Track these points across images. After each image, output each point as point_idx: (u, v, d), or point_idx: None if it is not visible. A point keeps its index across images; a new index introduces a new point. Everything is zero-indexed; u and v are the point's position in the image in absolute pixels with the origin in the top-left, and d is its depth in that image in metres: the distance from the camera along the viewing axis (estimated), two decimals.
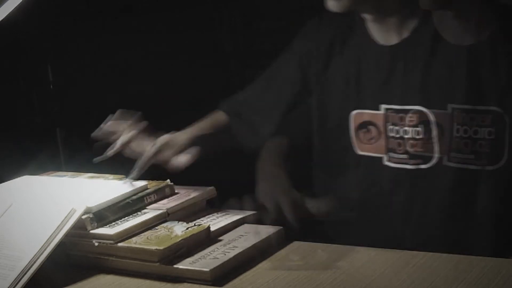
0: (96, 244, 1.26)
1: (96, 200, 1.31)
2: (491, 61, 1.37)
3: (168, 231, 1.28)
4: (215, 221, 1.35)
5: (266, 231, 1.31)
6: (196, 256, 1.22)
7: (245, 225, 1.37)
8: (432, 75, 1.42)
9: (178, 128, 1.55)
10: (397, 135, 1.46)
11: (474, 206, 1.43)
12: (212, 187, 1.44)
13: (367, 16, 1.48)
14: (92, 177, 1.53)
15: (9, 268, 1.19)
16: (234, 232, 1.33)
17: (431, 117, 1.41)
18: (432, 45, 1.41)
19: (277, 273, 1.19)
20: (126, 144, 1.45)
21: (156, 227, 1.31)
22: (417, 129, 1.43)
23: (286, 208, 1.41)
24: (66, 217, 1.25)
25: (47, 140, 2.84)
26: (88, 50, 2.90)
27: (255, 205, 1.42)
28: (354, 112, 1.52)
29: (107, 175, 1.51)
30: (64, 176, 1.57)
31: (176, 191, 1.44)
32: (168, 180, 1.45)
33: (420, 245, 1.28)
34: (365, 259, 1.22)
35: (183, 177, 1.48)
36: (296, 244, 1.31)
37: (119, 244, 1.25)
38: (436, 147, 1.42)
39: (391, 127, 1.47)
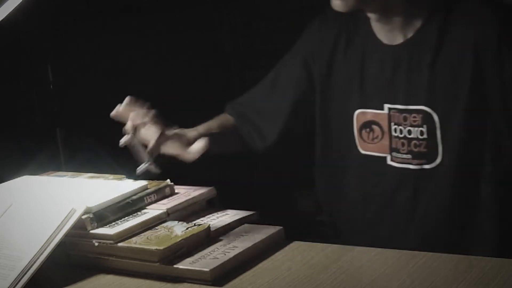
0: (96, 244, 1.26)
1: (96, 200, 1.31)
2: (496, 60, 1.36)
3: (168, 231, 1.28)
4: (215, 221, 1.35)
5: (266, 231, 1.31)
6: (196, 256, 1.22)
7: (245, 225, 1.37)
8: (437, 75, 1.41)
9: (179, 127, 1.54)
10: (401, 135, 1.45)
11: (477, 206, 1.43)
12: (212, 187, 1.44)
13: (372, 16, 1.48)
14: (92, 177, 1.53)
15: (9, 268, 1.19)
16: (234, 232, 1.33)
17: (435, 117, 1.41)
18: (436, 45, 1.41)
19: (277, 273, 1.19)
20: (136, 132, 1.44)
21: (156, 227, 1.31)
22: (421, 129, 1.43)
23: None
24: (66, 217, 1.25)
25: (47, 140, 2.84)
26: (88, 50, 2.90)
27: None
28: (358, 111, 1.51)
29: (107, 175, 1.51)
30: (64, 176, 1.57)
31: (176, 191, 1.44)
32: (168, 180, 1.45)
33: (422, 245, 1.27)
34: (365, 259, 1.22)
35: (183, 177, 1.48)
36: (296, 244, 1.31)
37: (119, 244, 1.25)
38: (440, 148, 1.42)
39: (394, 126, 1.46)
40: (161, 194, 1.41)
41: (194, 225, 1.29)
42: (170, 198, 1.41)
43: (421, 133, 1.43)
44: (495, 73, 1.36)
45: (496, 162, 1.40)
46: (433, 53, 1.41)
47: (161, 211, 1.34)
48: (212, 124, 1.62)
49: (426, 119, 1.42)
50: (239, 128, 1.65)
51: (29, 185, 1.47)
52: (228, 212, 1.40)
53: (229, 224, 1.35)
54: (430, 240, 1.45)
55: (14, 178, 1.52)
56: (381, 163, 1.49)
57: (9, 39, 2.45)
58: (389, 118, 1.47)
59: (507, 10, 1.40)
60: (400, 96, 1.45)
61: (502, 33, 1.36)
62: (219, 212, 1.40)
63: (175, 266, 1.20)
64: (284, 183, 2.99)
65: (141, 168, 1.40)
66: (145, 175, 1.45)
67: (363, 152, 1.52)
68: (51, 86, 2.89)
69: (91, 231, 1.28)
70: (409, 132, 1.44)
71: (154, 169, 1.41)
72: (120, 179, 1.48)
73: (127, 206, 1.35)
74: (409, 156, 1.45)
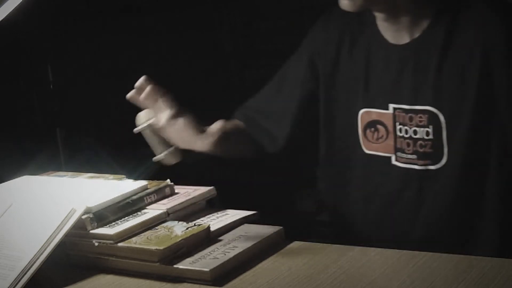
0: (96, 244, 1.26)
1: (96, 200, 1.31)
2: (504, 61, 1.36)
3: (168, 231, 1.28)
4: (215, 221, 1.35)
5: (266, 231, 1.31)
6: (196, 256, 1.22)
7: (245, 225, 1.36)
8: (443, 76, 1.41)
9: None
10: (406, 135, 1.45)
11: (481, 207, 1.42)
12: (212, 187, 1.44)
13: (379, 15, 1.47)
14: (92, 177, 1.53)
15: (9, 268, 1.19)
16: (234, 232, 1.33)
17: (441, 118, 1.41)
18: (444, 45, 1.41)
19: (277, 273, 1.19)
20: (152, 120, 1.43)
21: (156, 227, 1.31)
22: (427, 129, 1.43)
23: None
24: (66, 217, 1.25)
25: (47, 140, 2.84)
26: (88, 50, 2.90)
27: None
28: (362, 111, 1.51)
29: (107, 175, 1.51)
30: (64, 176, 1.57)
31: (176, 191, 1.44)
32: (168, 180, 1.45)
33: (426, 245, 1.27)
34: (365, 259, 1.22)
35: (183, 177, 1.48)
36: (296, 244, 1.31)
37: (119, 244, 1.25)
38: (446, 149, 1.42)
39: (400, 127, 1.46)
40: (161, 194, 1.41)
41: (194, 225, 1.29)
42: (170, 198, 1.41)
43: (427, 133, 1.42)
44: (502, 74, 1.36)
45: (501, 163, 1.40)
46: (440, 54, 1.41)
47: (161, 211, 1.34)
48: (225, 124, 1.60)
49: (432, 119, 1.42)
50: (249, 133, 1.63)
51: (29, 185, 1.47)
52: (228, 212, 1.40)
53: (229, 224, 1.35)
54: (433, 240, 1.44)
55: (14, 178, 1.52)
56: (385, 163, 1.49)
57: (9, 39, 2.45)
58: (394, 118, 1.46)
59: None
60: (406, 96, 1.45)
61: (510, 34, 1.36)
62: (219, 212, 1.40)
63: (175, 266, 1.20)
64: (284, 183, 2.99)
65: (159, 156, 1.39)
66: (149, 171, 1.45)
67: (367, 151, 1.51)
68: (51, 86, 2.89)
69: (91, 231, 1.28)
70: (415, 132, 1.44)
71: (170, 158, 1.39)
72: (120, 179, 1.48)
73: (127, 206, 1.35)
74: (414, 156, 1.45)
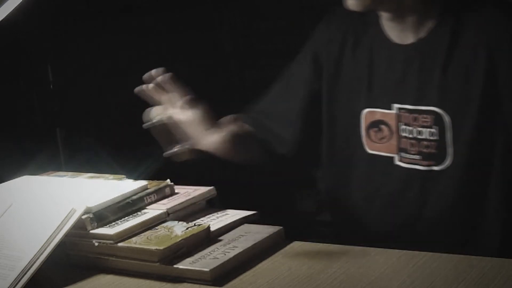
0: (96, 244, 1.26)
1: (96, 200, 1.31)
2: (509, 62, 1.36)
3: (168, 231, 1.28)
4: (215, 221, 1.35)
5: (266, 231, 1.31)
6: (196, 256, 1.22)
7: (245, 225, 1.36)
8: (449, 76, 1.41)
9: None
10: (410, 135, 1.45)
11: (484, 207, 1.42)
12: (212, 187, 1.44)
13: (384, 15, 1.47)
14: (92, 177, 1.53)
15: (9, 268, 1.19)
16: (234, 232, 1.33)
17: (446, 119, 1.41)
18: (449, 46, 1.40)
19: (277, 273, 1.19)
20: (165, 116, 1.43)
21: (156, 227, 1.30)
22: (432, 130, 1.42)
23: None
24: (66, 217, 1.25)
25: (47, 140, 2.84)
26: (88, 50, 2.90)
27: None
28: (365, 110, 1.51)
29: (107, 175, 1.51)
30: (64, 176, 1.57)
31: (176, 191, 1.44)
32: (168, 180, 1.45)
33: (428, 245, 1.26)
34: (365, 259, 1.22)
35: (183, 177, 1.48)
36: (296, 244, 1.31)
37: (119, 244, 1.25)
38: (450, 149, 1.41)
39: (403, 127, 1.46)
40: (161, 194, 1.41)
41: (194, 225, 1.29)
42: (170, 198, 1.41)
43: (432, 134, 1.42)
44: (507, 75, 1.36)
45: (505, 163, 1.40)
46: (446, 54, 1.40)
47: (161, 211, 1.34)
48: (236, 124, 1.60)
49: (437, 120, 1.41)
50: (257, 136, 1.63)
51: (29, 185, 1.47)
52: (228, 212, 1.40)
53: (229, 224, 1.35)
54: (435, 240, 1.44)
55: (14, 178, 1.52)
56: (388, 163, 1.48)
57: (9, 39, 2.45)
58: (398, 118, 1.46)
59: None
60: (410, 96, 1.45)
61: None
62: (219, 212, 1.40)
63: (175, 266, 1.20)
64: (284, 183, 2.99)
65: (170, 152, 1.39)
66: (147, 175, 1.45)
67: (370, 151, 1.51)
68: (51, 86, 2.89)
69: (91, 231, 1.28)
70: (419, 132, 1.43)
71: (181, 155, 1.39)
72: (120, 179, 1.48)
73: (127, 206, 1.35)
74: (418, 157, 1.44)
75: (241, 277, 1.18)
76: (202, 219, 1.37)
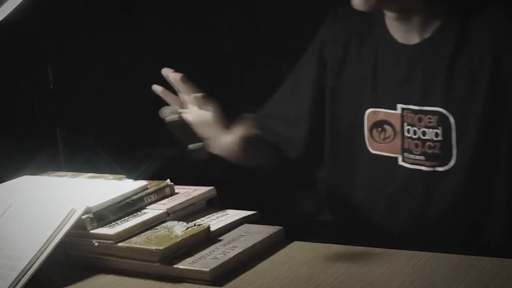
0: (96, 244, 1.26)
1: (96, 200, 1.31)
2: None
3: (168, 231, 1.28)
4: (215, 221, 1.35)
5: (266, 231, 1.31)
6: (196, 256, 1.22)
7: (245, 225, 1.36)
8: (454, 77, 1.40)
9: None
10: (414, 136, 1.44)
11: (488, 208, 1.42)
12: (212, 187, 1.44)
13: (390, 14, 1.47)
14: (92, 177, 1.53)
15: (9, 268, 1.19)
16: (234, 232, 1.33)
17: (451, 119, 1.40)
18: (455, 46, 1.40)
19: (277, 273, 1.19)
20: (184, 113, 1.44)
21: (156, 227, 1.30)
22: (436, 130, 1.42)
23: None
24: (66, 217, 1.25)
25: (47, 140, 2.84)
26: (88, 50, 2.90)
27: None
28: (369, 110, 1.50)
29: (107, 175, 1.51)
30: (64, 176, 1.57)
31: (176, 191, 1.44)
32: (168, 180, 1.45)
33: (430, 246, 1.26)
34: (365, 259, 1.22)
35: (183, 177, 1.48)
36: (296, 244, 1.31)
37: (119, 244, 1.25)
38: (455, 150, 1.41)
39: (408, 127, 1.45)
40: (161, 194, 1.41)
41: (194, 225, 1.29)
42: (170, 198, 1.41)
43: (436, 134, 1.42)
44: None
45: (510, 164, 1.40)
46: (451, 55, 1.40)
47: (161, 211, 1.34)
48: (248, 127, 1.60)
49: (442, 121, 1.41)
50: (267, 140, 1.62)
51: (29, 185, 1.47)
52: (228, 212, 1.40)
53: (229, 224, 1.35)
54: (437, 241, 1.44)
55: (14, 178, 1.52)
56: (391, 163, 1.48)
57: (9, 39, 2.45)
58: (402, 118, 1.46)
59: None
60: (415, 97, 1.44)
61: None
62: (219, 212, 1.40)
63: (175, 266, 1.20)
64: (284, 183, 2.99)
65: (194, 145, 1.38)
66: (147, 175, 1.45)
67: (373, 151, 1.51)
68: (51, 86, 2.89)
69: (91, 231, 1.28)
70: (424, 133, 1.43)
71: (198, 153, 1.39)
72: (120, 179, 1.47)
73: (127, 206, 1.35)
74: (422, 157, 1.44)
75: (241, 277, 1.18)
76: (202, 219, 1.37)
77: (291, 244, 1.30)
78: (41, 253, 1.20)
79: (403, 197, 1.48)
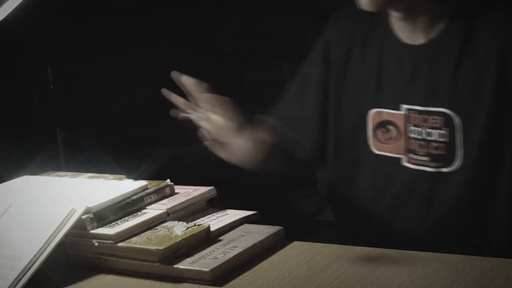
0: (96, 244, 1.26)
1: (96, 200, 1.31)
2: None
3: (168, 231, 1.28)
4: (215, 221, 1.35)
5: (266, 231, 1.31)
6: (196, 256, 1.22)
7: (245, 225, 1.36)
8: (459, 78, 1.40)
9: None
10: (419, 137, 1.44)
11: (492, 209, 1.42)
12: (212, 187, 1.44)
13: (396, 14, 1.46)
14: (92, 177, 1.53)
15: (9, 268, 1.20)
16: (234, 232, 1.33)
17: (456, 120, 1.40)
18: (460, 47, 1.40)
19: (277, 273, 1.19)
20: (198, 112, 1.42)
21: (156, 227, 1.30)
22: (441, 131, 1.42)
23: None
24: (66, 217, 1.25)
25: (47, 140, 2.84)
26: (88, 50, 2.90)
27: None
28: (373, 111, 1.50)
29: (107, 175, 1.51)
30: (64, 176, 1.57)
31: (176, 191, 1.44)
32: (168, 180, 1.45)
33: (433, 247, 1.26)
34: (365, 259, 1.22)
35: (183, 177, 1.48)
36: (296, 244, 1.31)
37: (119, 244, 1.25)
38: (459, 151, 1.41)
39: (412, 128, 1.45)
40: (161, 194, 1.41)
41: (194, 225, 1.29)
42: (170, 198, 1.41)
43: (441, 135, 1.42)
44: None
45: None
46: (457, 55, 1.40)
47: (161, 211, 1.34)
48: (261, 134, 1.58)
49: (447, 121, 1.40)
50: (277, 145, 1.61)
51: (29, 185, 1.47)
52: (228, 212, 1.40)
53: (229, 224, 1.35)
54: (440, 241, 1.44)
55: (14, 178, 1.52)
56: (395, 164, 1.47)
57: (9, 39, 2.45)
58: (406, 118, 1.45)
59: None
60: (419, 97, 1.44)
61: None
62: (219, 212, 1.40)
63: (175, 266, 1.20)
64: (284, 183, 2.99)
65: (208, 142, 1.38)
66: (146, 176, 1.45)
67: (376, 152, 1.50)
68: (51, 86, 2.89)
69: (91, 231, 1.28)
70: (429, 134, 1.42)
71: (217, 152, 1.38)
72: (120, 179, 1.48)
73: (127, 206, 1.35)
74: (427, 158, 1.43)
75: (241, 277, 1.18)
76: (202, 219, 1.37)
77: (291, 244, 1.30)
78: (41, 253, 1.20)
79: (406, 198, 1.47)
